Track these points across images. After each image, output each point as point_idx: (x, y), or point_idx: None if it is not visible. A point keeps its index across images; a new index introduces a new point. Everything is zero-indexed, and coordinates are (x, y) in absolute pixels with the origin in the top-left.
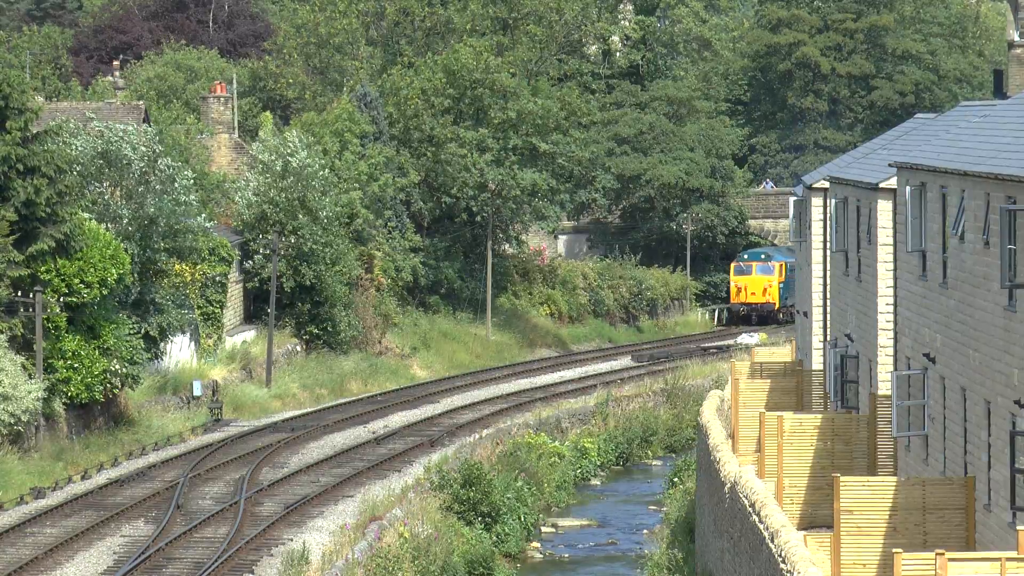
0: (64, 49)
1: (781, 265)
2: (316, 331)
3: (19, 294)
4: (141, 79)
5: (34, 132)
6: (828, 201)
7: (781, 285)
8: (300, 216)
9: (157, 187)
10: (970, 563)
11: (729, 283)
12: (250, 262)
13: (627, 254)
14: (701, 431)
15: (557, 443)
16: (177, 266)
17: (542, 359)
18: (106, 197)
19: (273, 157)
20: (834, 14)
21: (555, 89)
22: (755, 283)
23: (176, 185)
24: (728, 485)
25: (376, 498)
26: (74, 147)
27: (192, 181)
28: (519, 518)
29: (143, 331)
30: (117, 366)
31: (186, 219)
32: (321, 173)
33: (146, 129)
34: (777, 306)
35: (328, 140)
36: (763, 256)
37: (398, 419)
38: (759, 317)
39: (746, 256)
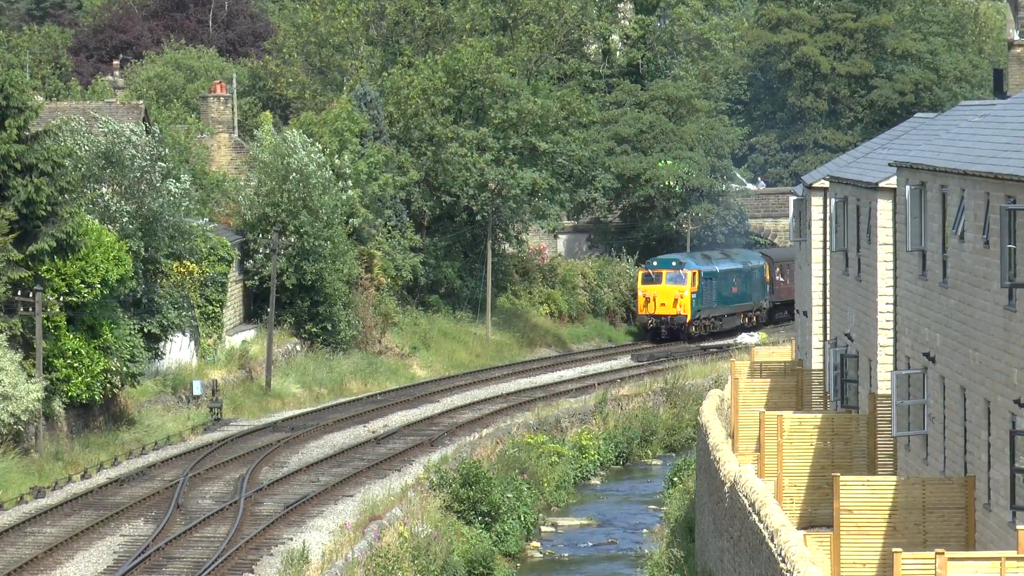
0: (64, 48)
1: (694, 273)
2: (316, 330)
3: (19, 293)
4: (141, 79)
5: (34, 131)
6: (828, 201)
7: (694, 296)
8: (302, 216)
9: (158, 184)
10: (970, 563)
11: (636, 293)
12: (250, 261)
13: (627, 253)
14: (701, 431)
15: (557, 443)
16: (176, 266)
17: (542, 359)
18: (107, 198)
19: (273, 157)
20: (834, 13)
21: (555, 89)
22: (665, 293)
23: (172, 183)
24: (728, 484)
25: (376, 497)
26: (78, 147)
27: (189, 182)
28: (519, 517)
29: (144, 329)
30: (117, 365)
31: (185, 218)
32: (320, 172)
33: (149, 129)
34: (689, 319)
35: (327, 139)
36: (674, 263)
37: (398, 419)
38: (669, 331)
39: (655, 263)
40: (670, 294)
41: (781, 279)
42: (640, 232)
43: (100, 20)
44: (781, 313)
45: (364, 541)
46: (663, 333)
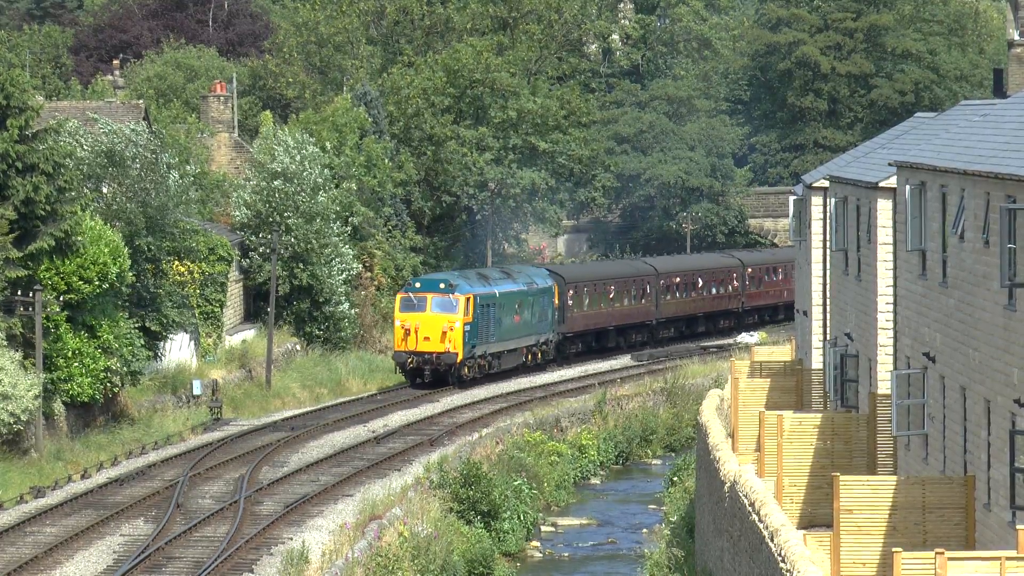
0: (64, 48)
1: (468, 299)
2: (316, 330)
3: (18, 293)
4: (141, 78)
5: (34, 131)
6: (828, 200)
7: (467, 327)
8: (294, 216)
9: (166, 180)
10: (970, 562)
11: (394, 322)
12: (251, 253)
13: (627, 253)
14: (701, 430)
15: (556, 442)
16: (176, 265)
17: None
18: (109, 198)
19: (269, 158)
20: (834, 13)
21: (555, 88)
22: (430, 324)
23: (171, 180)
24: (728, 484)
25: (376, 497)
26: (78, 149)
27: (192, 178)
28: (519, 517)
29: (144, 325)
30: (118, 364)
31: (185, 217)
32: (313, 177)
33: (148, 129)
34: (461, 357)
35: (327, 135)
36: (443, 285)
37: (398, 418)
38: (434, 373)
39: (418, 285)
40: (437, 325)
41: (574, 305)
42: (640, 232)
43: (100, 20)
44: (574, 347)
45: (364, 541)
46: (426, 375)
